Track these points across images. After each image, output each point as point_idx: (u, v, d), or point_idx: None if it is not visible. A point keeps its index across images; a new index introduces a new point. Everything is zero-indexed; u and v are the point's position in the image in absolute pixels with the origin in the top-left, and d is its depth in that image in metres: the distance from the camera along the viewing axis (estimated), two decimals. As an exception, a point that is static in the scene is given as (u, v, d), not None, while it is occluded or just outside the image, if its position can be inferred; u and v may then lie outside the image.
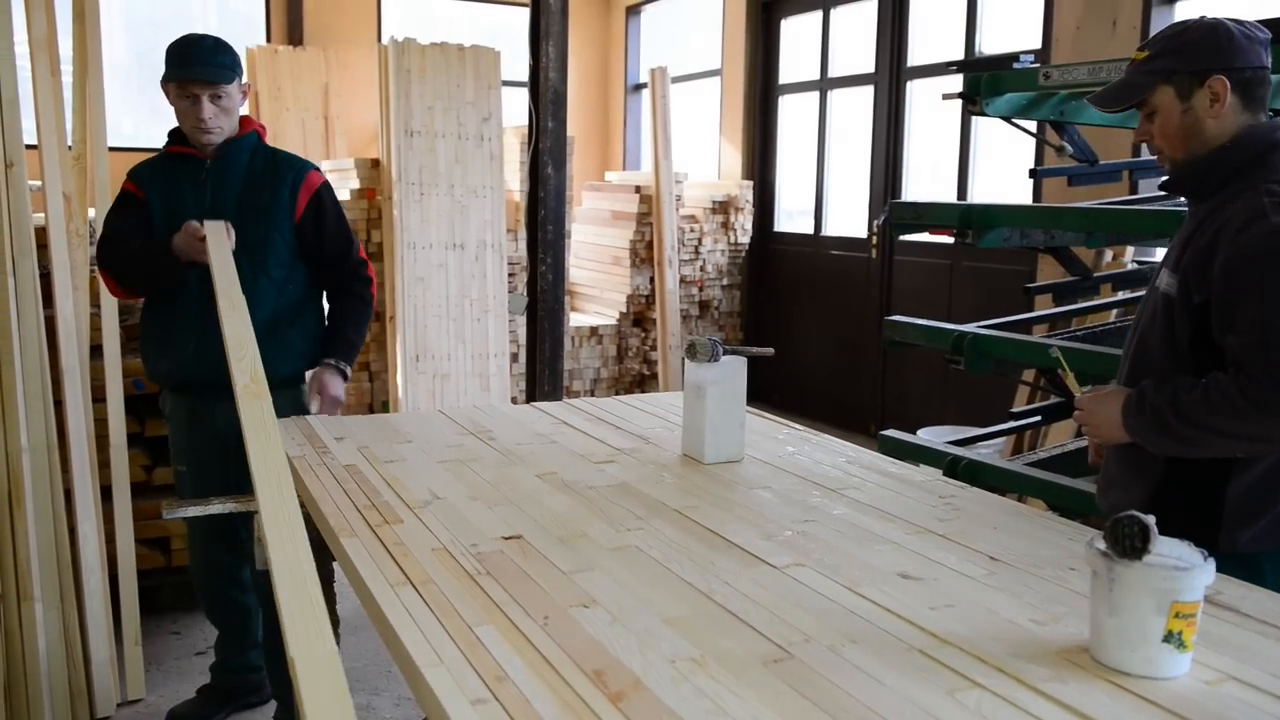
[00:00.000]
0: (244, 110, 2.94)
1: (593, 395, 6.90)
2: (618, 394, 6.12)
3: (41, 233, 3.18)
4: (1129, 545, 1.31)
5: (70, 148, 3.29)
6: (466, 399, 5.83)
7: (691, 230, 7.39)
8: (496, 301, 5.97)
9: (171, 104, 2.81)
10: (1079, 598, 1.53)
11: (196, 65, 2.74)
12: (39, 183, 3.17)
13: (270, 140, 3.04)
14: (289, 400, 2.82)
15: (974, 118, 5.91)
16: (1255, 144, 1.82)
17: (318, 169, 2.98)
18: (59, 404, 3.15)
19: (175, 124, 2.87)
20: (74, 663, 3.09)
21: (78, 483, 3.16)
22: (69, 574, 3.10)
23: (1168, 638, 1.30)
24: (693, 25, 8.91)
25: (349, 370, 2.93)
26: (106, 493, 3.27)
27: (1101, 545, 1.35)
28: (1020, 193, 5.72)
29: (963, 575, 1.64)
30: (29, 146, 3.06)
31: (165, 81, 2.79)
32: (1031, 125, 3.43)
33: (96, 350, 3.28)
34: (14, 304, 3.02)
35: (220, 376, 2.55)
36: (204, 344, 2.74)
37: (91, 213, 3.34)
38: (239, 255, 2.77)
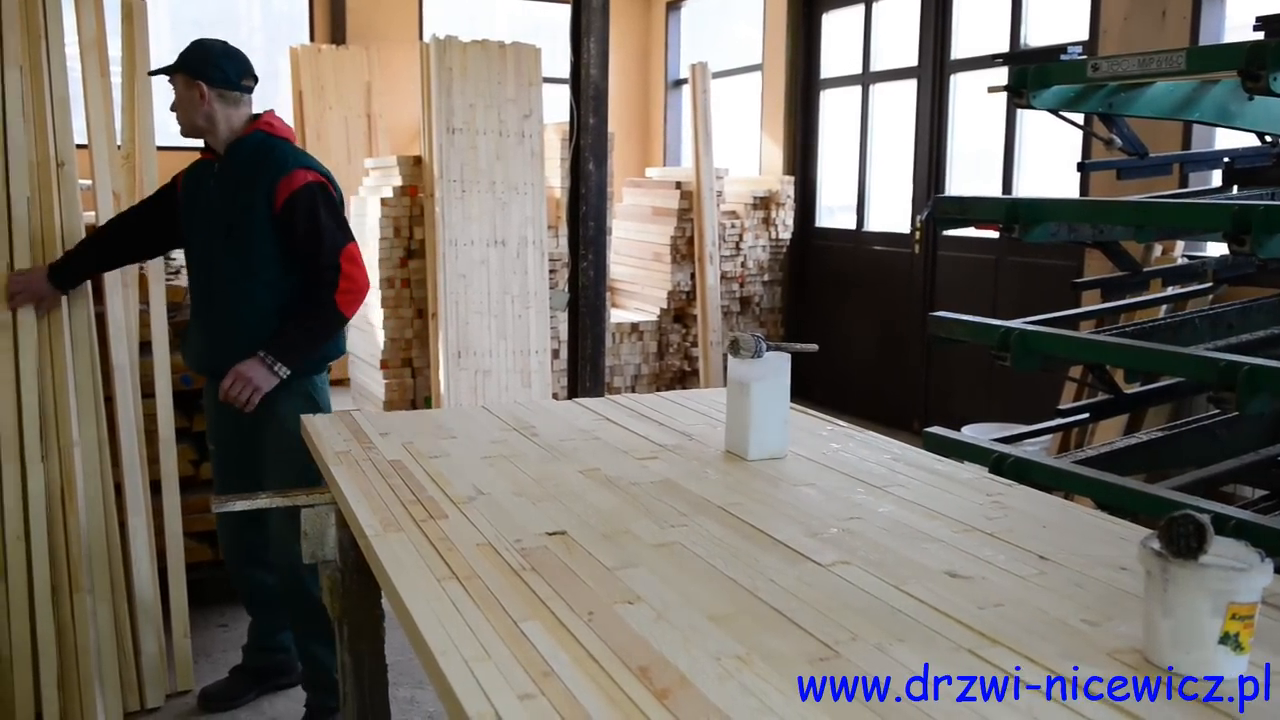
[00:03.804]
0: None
1: (633, 391, 6.91)
2: (658, 390, 6.12)
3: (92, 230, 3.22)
4: (1184, 545, 1.29)
5: (119, 147, 3.34)
6: (508, 395, 5.85)
7: (732, 226, 7.37)
8: (537, 298, 5.98)
9: None
10: (1131, 598, 1.50)
11: None
12: (89, 181, 3.22)
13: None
14: (296, 396, 2.91)
15: (1019, 111, 5.87)
16: None
17: (309, 169, 2.89)
18: (109, 400, 3.20)
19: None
20: (124, 654, 3.14)
21: (127, 477, 3.21)
22: (119, 567, 3.16)
23: (1224, 639, 1.28)
24: (733, 20, 8.88)
25: (281, 368, 2.83)
26: (155, 487, 3.32)
27: (1156, 545, 1.32)
28: (1063, 187, 5.65)
29: (1012, 574, 1.62)
30: (79, 146, 3.11)
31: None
32: (1078, 118, 3.39)
33: (145, 347, 3.33)
34: (65, 301, 3.07)
35: (223, 369, 2.90)
36: (202, 340, 3.01)
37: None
38: (231, 257, 2.89)
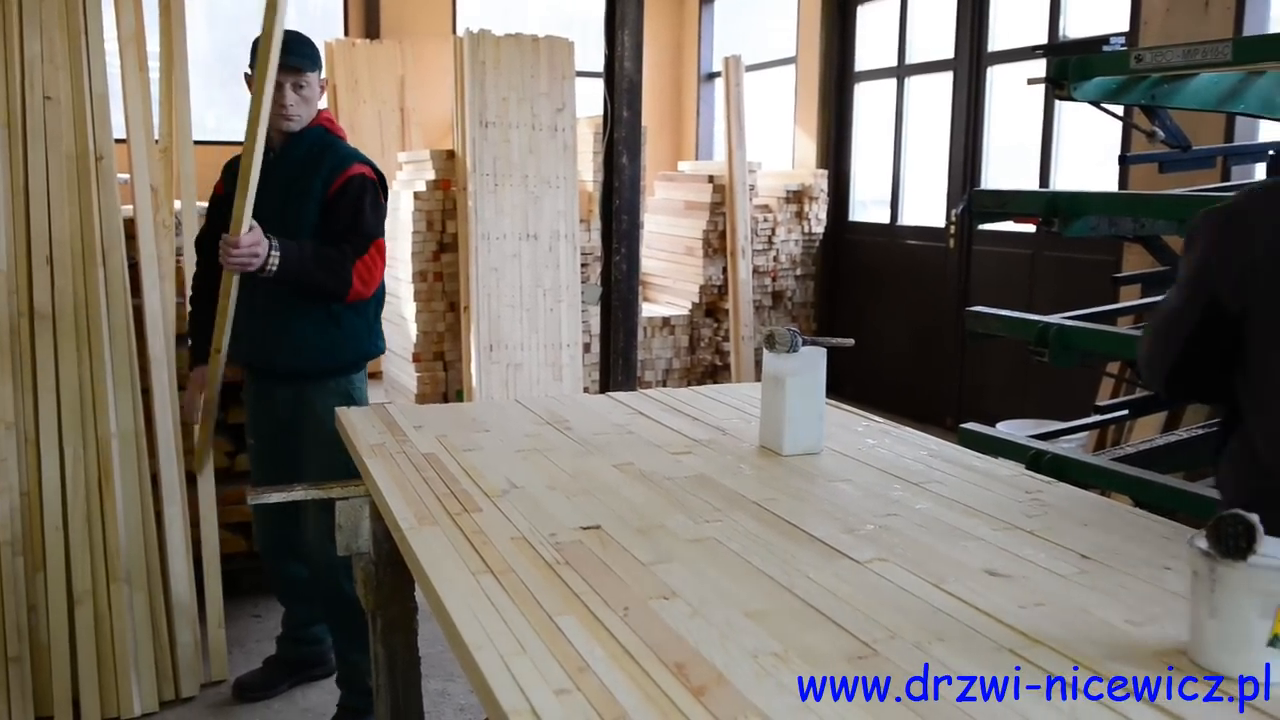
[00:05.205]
0: (323, 104, 3.03)
1: (664, 386, 6.89)
2: (689, 384, 6.10)
3: (130, 224, 3.25)
4: (1233, 545, 1.26)
5: (157, 141, 3.36)
6: (539, 389, 5.86)
7: (765, 220, 7.34)
8: (569, 292, 5.98)
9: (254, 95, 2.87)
10: (1176, 598, 1.48)
11: (281, 53, 2.81)
12: (127, 175, 3.25)
13: (348, 133, 3.10)
14: (334, 394, 2.91)
15: (1056, 104, 5.80)
16: None
17: (368, 164, 2.95)
18: (146, 391, 3.23)
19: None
20: (160, 644, 3.17)
21: (164, 468, 3.23)
22: (155, 557, 3.18)
23: (1273, 641, 1.25)
24: (767, 12, 8.84)
25: (276, 255, 2.74)
26: (191, 478, 3.34)
27: (1204, 544, 1.29)
28: (1101, 181, 5.58)
29: (1053, 573, 1.59)
30: (118, 140, 3.14)
31: (250, 70, 2.86)
32: (1119, 110, 3.33)
33: (182, 339, 3.35)
34: (104, 294, 3.09)
35: (265, 364, 2.96)
36: (249, 332, 2.95)
37: (177, 204, 3.41)
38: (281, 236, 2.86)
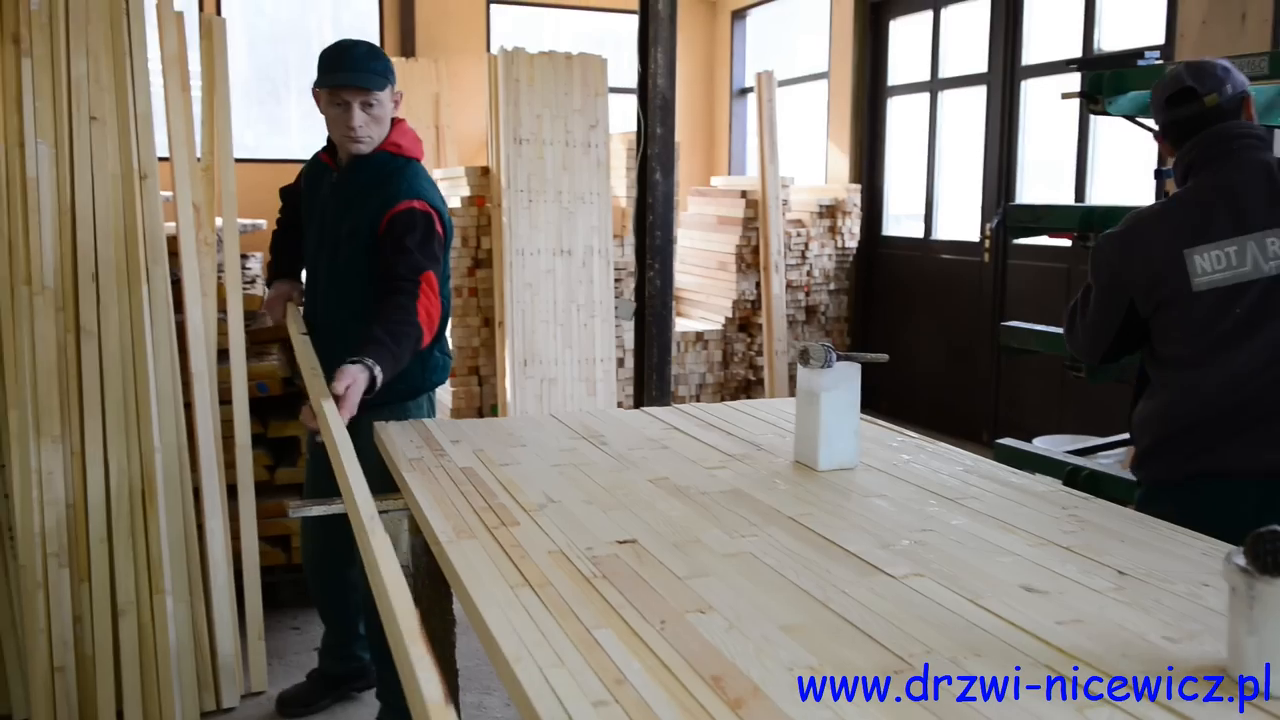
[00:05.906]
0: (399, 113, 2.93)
1: (698, 400, 6.90)
2: (723, 399, 6.10)
3: (173, 241, 3.31)
4: (1271, 562, 1.26)
5: (199, 160, 3.42)
6: (573, 403, 5.88)
7: (798, 235, 7.34)
8: (603, 307, 6.01)
9: (322, 112, 2.81)
10: (1214, 614, 1.47)
11: (348, 71, 2.71)
12: (170, 193, 3.31)
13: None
14: (363, 421, 2.66)
15: (1091, 118, 5.76)
16: None
17: (420, 199, 2.76)
18: (188, 406, 3.28)
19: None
20: (201, 655, 3.21)
21: (205, 481, 3.28)
22: (197, 569, 3.23)
23: (1313, 659, 1.24)
24: (799, 28, 8.85)
25: (378, 371, 2.39)
26: (232, 491, 3.38)
27: (1241, 561, 1.29)
28: (1137, 196, 5.53)
29: (1089, 589, 1.59)
30: (161, 159, 3.20)
31: (317, 88, 2.79)
32: (1154, 124, 3.32)
33: (223, 354, 3.40)
34: (147, 310, 3.15)
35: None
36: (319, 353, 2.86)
37: (219, 222, 3.47)
38: (336, 277, 2.85)
